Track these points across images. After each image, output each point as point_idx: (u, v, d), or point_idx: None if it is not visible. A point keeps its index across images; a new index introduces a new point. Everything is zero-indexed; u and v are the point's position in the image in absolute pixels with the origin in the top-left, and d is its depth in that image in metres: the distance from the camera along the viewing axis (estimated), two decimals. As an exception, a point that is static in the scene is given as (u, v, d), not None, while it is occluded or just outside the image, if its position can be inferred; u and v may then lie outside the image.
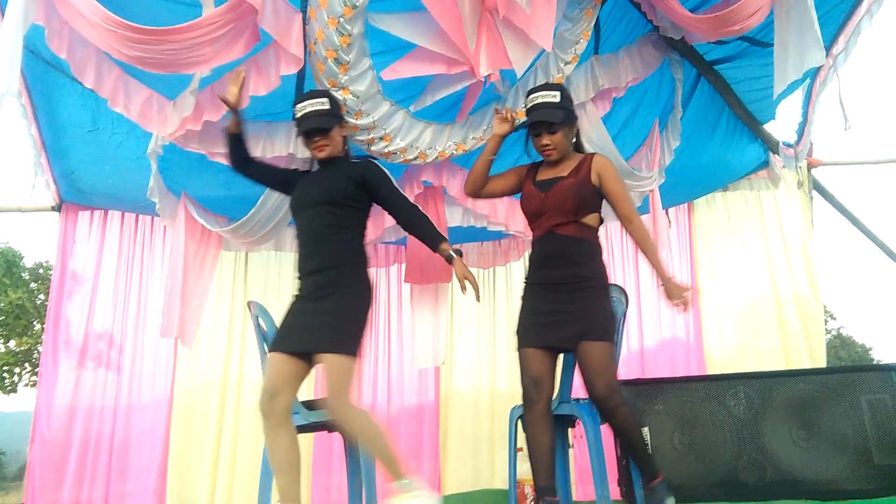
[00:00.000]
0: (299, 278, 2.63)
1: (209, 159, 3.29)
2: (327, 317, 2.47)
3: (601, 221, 2.76)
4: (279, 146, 3.32)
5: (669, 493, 2.64)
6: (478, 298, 2.65)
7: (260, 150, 3.25)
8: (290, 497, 2.44)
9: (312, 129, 2.65)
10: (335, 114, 2.72)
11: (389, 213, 2.77)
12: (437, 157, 3.39)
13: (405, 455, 5.16)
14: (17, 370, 10.23)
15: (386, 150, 3.16)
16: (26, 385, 10.25)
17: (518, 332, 2.71)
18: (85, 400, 4.53)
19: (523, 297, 2.76)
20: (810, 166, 5.24)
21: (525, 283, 2.78)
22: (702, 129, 4.48)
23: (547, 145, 2.70)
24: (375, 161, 2.82)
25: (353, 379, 2.46)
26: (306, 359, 2.53)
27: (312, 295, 2.54)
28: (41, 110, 3.55)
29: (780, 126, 4.91)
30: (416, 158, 3.32)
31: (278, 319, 2.65)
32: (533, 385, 2.60)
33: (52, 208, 4.64)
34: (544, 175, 2.77)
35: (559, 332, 2.59)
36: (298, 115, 2.66)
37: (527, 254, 5.33)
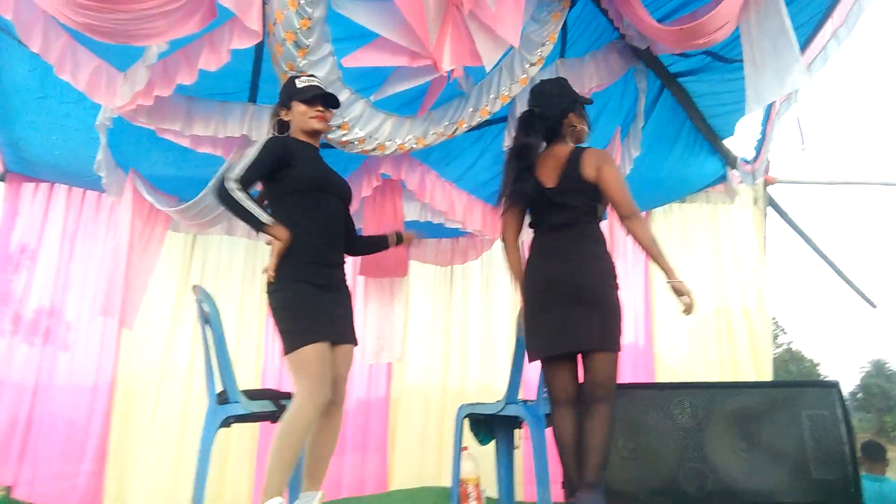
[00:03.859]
0: (315, 264, 2.45)
1: (158, 135, 3.19)
2: (349, 311, 2.61)
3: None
4: (232, 126, 3.23)
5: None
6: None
7: (212, 129, 3.17)
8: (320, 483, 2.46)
9: (330, 98, 2.61)
10: None
11: None
12: (396, 150, 3.33)
13: (353, 448, 5.10)
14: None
15: (343, 139, 3.10)
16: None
17: None
18: (17, 376, 4.33)
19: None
20: (766, 183, 5.30)
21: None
22: (663, 141, 4.51)
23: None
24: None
25: None
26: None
27: (333, 286, 2.51)
28: (-14, 73, 3.39)
29: (739, 142, 4.96)
30: (374, 150, 3.25)
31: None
32: None
33: (-3, 177, 4.45)
34: None
35: None
36: (309, 83, 2.58)
37: (486, 254, 5.32)
